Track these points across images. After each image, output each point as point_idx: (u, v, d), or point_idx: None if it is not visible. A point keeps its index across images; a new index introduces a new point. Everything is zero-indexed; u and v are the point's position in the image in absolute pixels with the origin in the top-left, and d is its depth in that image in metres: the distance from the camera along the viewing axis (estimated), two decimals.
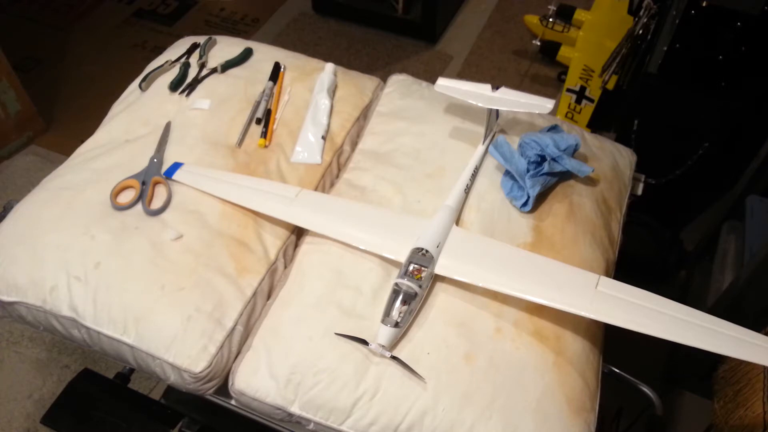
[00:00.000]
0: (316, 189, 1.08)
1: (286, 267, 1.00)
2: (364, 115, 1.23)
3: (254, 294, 0.94)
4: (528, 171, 1.00)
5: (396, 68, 2.32)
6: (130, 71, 1.26)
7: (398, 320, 0.84)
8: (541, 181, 1.00)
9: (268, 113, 1.15)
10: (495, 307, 0.90)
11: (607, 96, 1.88)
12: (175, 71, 1.22)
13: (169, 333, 0.87)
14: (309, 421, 0.84)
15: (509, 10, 2.59)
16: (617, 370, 1.02)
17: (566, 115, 1.95)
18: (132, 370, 1.18)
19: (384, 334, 0.83)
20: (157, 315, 0.88)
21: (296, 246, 1.03)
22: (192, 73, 1.22)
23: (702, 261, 1.66)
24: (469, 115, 1.16)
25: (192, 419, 1.03)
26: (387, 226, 0.97)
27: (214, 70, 1.22)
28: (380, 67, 2.34)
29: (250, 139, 1.12)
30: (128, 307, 0.88)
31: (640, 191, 1.19)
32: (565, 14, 2.07)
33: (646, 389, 1.03)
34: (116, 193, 0.99)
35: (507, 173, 1.05)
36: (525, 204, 1.00)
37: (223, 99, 1.17)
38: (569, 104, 1.93)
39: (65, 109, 2.19)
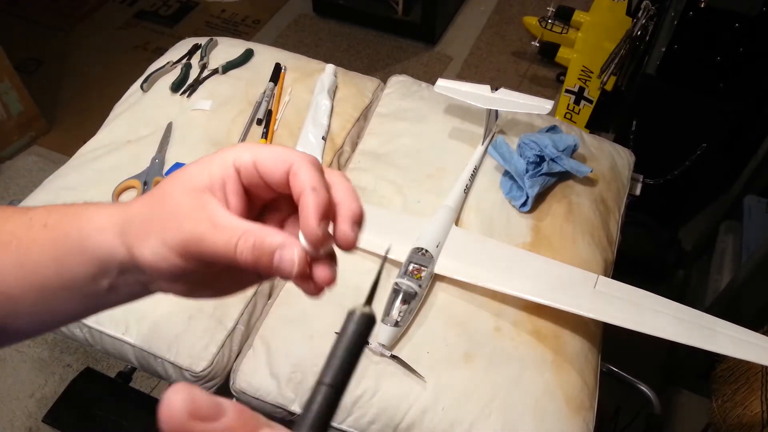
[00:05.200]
0: None
1: None
2: (365, 115, 1.23)
3: (255, 293, 0.94)
4: (527, 171, 1.01)
5: (396, 69, 2.33)
6: (131, 72, 1.27)
7: (398, 319, 0.84)
8: (540, 182, 1.01)
9: (268, 114, 1.16)
10: (494, 307, 0.90)
11: (605, 97, 1.88)
12: (176, 72, 1.22)
13: (170, 332, 0.88)
14: None
15: (508, 11, 2.60)
16: (616, 369, 1.03)
17: (565, 116, 1.95)
18: (134, 369, 1.18)
19: (384, 333, 0.84)
20: (159, 314, 0.88)
21: None
22: (193, 74, 1.23)
23: (700, 261, 1.67)
24: (468, 116, 1.17)
25: None
26: (387, 226, 0.97)
27: (215, 71, 1.23)
28: (380, 68, 2.35)
29: (251, 139, 1.12)
30: (130, 306, 0.89)
31: (638, 191, 1.19)
32: (563, 15, 2.07)
33: (644, 388, 1.03)
34: (118, 193, 1.00)
35: (506, 173, 1.05)
36: (524, 204, 1.01)
37: (224, 100, 1.18)
38: (568, 105, 1.93)
39: (67, 109, 2.20)
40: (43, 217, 0.36)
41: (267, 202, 0.37)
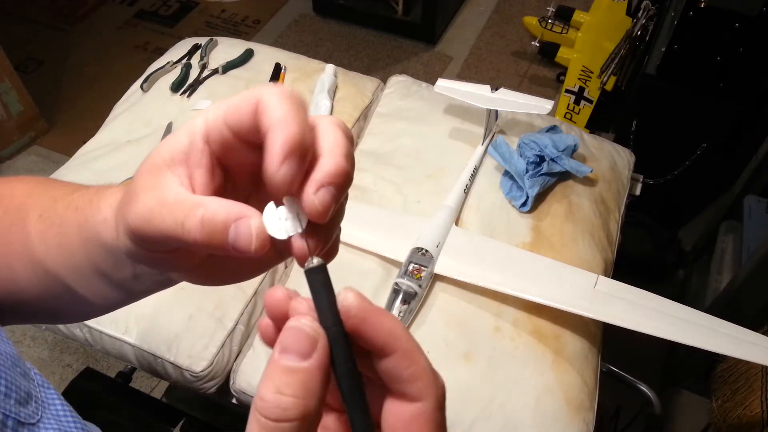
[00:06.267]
0: None
1: (286, 267, 1.01)
2: (365, 115, 1.23)
3: (255, 293, 0.94)
4: (527, 171, 1.01)
5: (396, 69, 2.33)
6: (131, 72, 1.27)
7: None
8: (540, 182, 1.01)
9: None
10: (494, 307, 0.90)
11: (605, 97, 1.88)
12: (176, 72, 1.22)
13: (170, 332, 0.88)
14: None
15: (508, 11, 2.60)
16: (616, 369, 1.03)
17: (565, 116, 1.95)
18: (134, 369, 1.18)
19: None
20: (159, 314, 0.88)
21: None
22: (193, 74, 1.23)
23: (700, 261, 1.67)
24: (468, 116, 1.17)
25: (193, 418, 1.04)
26: (387, 226, 0.97)
27: (215, 71, 1.23)
28: (380, 68, 2.35)
29: None
30: (130, 306, 0.89)
31: (638, 191, 1.20)
32: (563, 15, 2.07)
33: (644, 388, 1.03)
34: None
35: (506, 173, 1.05)
36: (524, 204, 1.01)
37: (224, 100, 1.18)
38: (568, 105, 1.93)
39: (67, 109, 2.20)
40: (77, 199, 0.34)
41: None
